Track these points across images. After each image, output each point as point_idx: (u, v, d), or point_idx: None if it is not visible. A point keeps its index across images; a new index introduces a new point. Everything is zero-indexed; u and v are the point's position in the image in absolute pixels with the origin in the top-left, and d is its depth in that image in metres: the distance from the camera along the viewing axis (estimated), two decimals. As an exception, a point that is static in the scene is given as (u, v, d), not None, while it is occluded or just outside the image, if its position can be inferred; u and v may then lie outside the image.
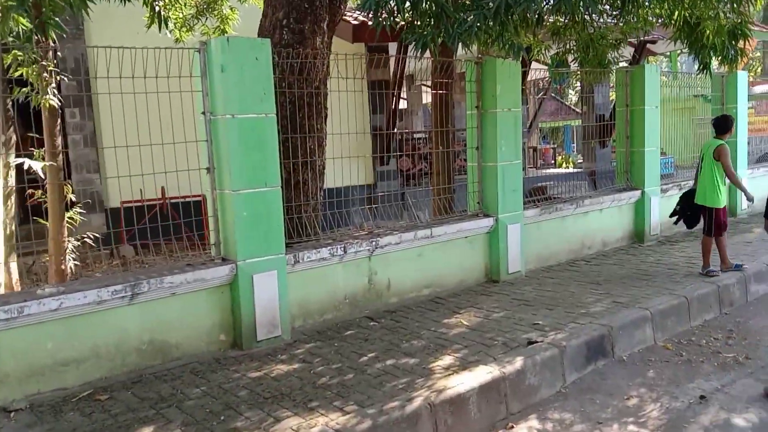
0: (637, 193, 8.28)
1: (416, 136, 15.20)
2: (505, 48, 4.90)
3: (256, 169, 4.76)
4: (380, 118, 11.04)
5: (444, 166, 7.59)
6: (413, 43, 4.76)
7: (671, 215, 7.11)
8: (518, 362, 4.32)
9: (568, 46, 8.46)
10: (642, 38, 11.46)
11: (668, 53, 20.01)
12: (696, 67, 7.19)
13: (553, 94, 27.76)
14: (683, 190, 8.95)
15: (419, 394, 3.84)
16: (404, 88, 16.40)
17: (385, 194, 9.86)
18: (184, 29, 7.62)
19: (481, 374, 4.12)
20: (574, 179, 12.89)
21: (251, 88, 4.70)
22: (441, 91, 7.42)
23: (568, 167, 18.08)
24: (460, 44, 4.68)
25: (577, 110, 24.72)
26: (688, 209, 7.01)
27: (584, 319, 5.20)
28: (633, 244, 8.34)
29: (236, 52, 4.63)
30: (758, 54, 29.35)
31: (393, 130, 11.13)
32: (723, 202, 6.62)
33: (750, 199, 6.97)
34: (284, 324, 5.01)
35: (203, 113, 4.77)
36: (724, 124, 6.68)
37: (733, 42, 6.49)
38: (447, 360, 4.44)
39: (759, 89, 19.37)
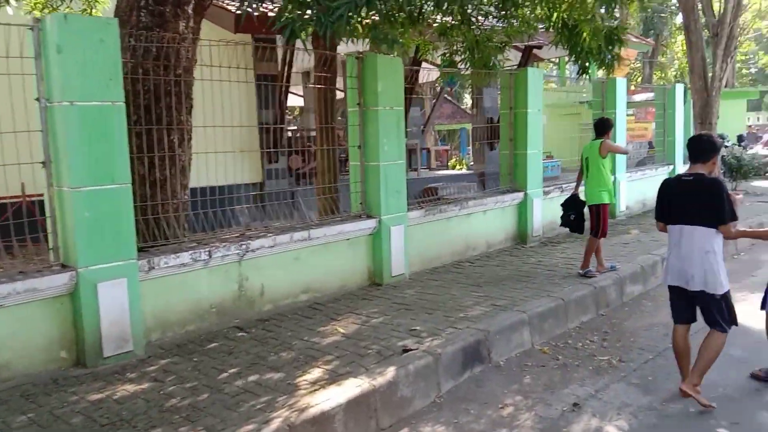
0: (520, 195, 8.34)
1: (311, 133, 14.76)
2: (379, 40, 4.63)
3: (101, 163, 4.20)
4: (269, 113, 10.55)
5: (329, 165, 7.26)
6: (282, 29, 4.39)
7: (561, 224, 7.17)
8: (390, 373, 4.05)
9: (455, 47, 8.40)
10: (527, 43, 11.69)
11: (557, 60, 20.85)
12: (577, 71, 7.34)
13: (448, 97, 28.30)
14: (565, 192, 9.20)
15: (279, 414, 3.48)
16: (301, 85, 15.89)
17: (273, 193, 9.39)
18: (46, 10, 6.85)
19: (350, 388, 3.81)
20: (465, 181, 12.99)
21: (95, 73, 4.14)
22: (323, 86, 7.08)
23: (461, 169, 18.33)
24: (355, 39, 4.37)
25: (471, 113, 25.27)
26: (572, 214, 7.09)
27: (462, 323, 5.04)
28: (516, 246, 8.39)
29: (76, 32, 4.06)
30: (638, 64, 31.35)
31: (282, 126, 10.67)
32: (610, 199, 6.70)
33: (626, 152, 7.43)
34: (137, 338, 4.47)
35: (38, 99, 4.16)
36: (603, 126, 6.78)
37: (610, 47, 6.63)
38: (316, 373, 4.10)
39: (639, 97, 20.52)
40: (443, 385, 4.37)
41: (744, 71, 38.05)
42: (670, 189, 4.26)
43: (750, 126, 32.46)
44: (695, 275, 4.03)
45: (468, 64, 8.15)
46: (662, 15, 25.81)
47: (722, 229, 4.00)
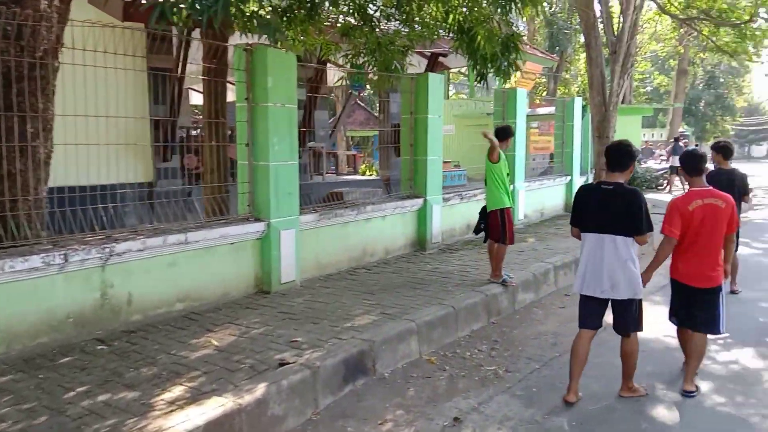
0: (420, 201, 8.22)
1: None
2: (260, 27, 4.31)
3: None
4: (162, 109, 9.91)
5: (217, 163, 6.83)
6: (150, 10, 3.98)
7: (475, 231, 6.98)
8: (260, 390, 3.72)
9: (358, 49, 8.20)
10: (432, 50, 11.69)
11: (465, 69, 21.11)
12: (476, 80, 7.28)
13: (362, 103, 28.19)
14: (465, 200, 9.19)
15: (124, 440, 3.08)
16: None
17: (163, 193, 8.79)
18: None
19: (212, 408, 3.45)
20: (372, 186, 12.83)
21: None
22: (211, 79, 6.65)
23: (371, 175, 18.20)
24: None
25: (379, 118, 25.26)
26: (483, 222, 6.95)
27: (348, 333, 4.78)
28: (415, 252, 8.25)
29: None
30: (544, 79, 32.52)
31: (175, 120, 10.05)
32: (509, 202, 6.61)
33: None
34: (-29, 353, 3.91)
35: None
36: (500, 133, 6.70)
37: (506, 53, 6.61)
38: (176, 392, 3.70)
39: (544, 111, 21.14)
40: (321, 401, 4.08)
41: (641, 90, 40.39)
42: (588, 196, 4.22)
43: (646, 141, 34.45)
44: (618, 284, 4.04)
45: (370, 67, 7.96)
46: (566, 31, 26.85)
47: (639, 240, 4.04)
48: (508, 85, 20.37)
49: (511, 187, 10.10)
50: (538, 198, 11.59)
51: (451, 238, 9.01)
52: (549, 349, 5.31)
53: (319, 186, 11.94)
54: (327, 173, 14.36)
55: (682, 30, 23.00)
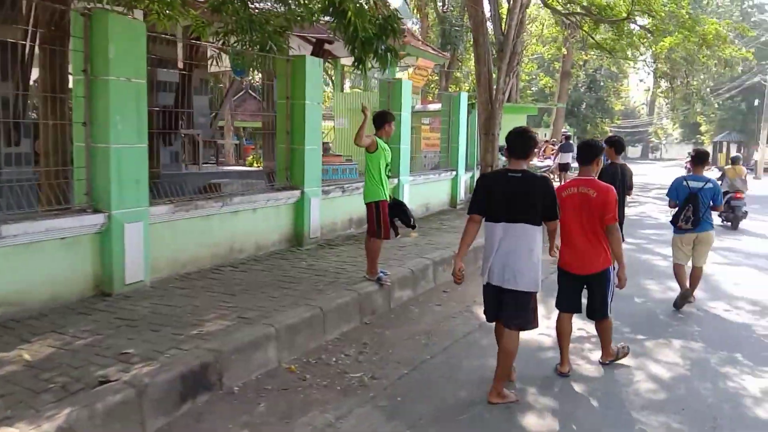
0: (297, 193, 7.66)
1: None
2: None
3: None
4: (6, 86, 8.69)
5: (55, 145, 5.93)
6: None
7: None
8: (66, 415, 3.05)
9: (230, 27, 7.50)
10: (313, 33, 11.14)
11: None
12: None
13: (253, 93, 27.10)
14: (346, 193, 8.73)
15: None
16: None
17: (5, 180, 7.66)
18: None
19: (-8, 444, 2.75)
20: (255, 177, 12.09)
21: None
22: (48, 46, 5.75)
23: (259, 166, 17.36)
24: None
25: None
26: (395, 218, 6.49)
27: (191, 342, 4.16)
28: (292, 248, 7.70)
29: None
30: (437, 77, 32.85)
31: (26, 95, 8.87)
32: (385, 195, 6.17)
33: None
34: None
35: None
36: (377, 118, 6.26)
37: (384, 37, 6.21)
38: (-48, 423, 2.96)
39: (434, 107, 21.15)
40: (150, 424, 3.46)
41: (528, 91, 41.91)
42: (495, 184, 4.02)
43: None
44: (520, 273, 3.87)
45: (243, 47, 7.30)
46: (458, 29, 27.18)
47: (552, 225, 4.04)
48: (404, 76, 20.08)
49: (396, 180, 9.85)
50: (424, 192, 11.38)
51: (332, 233, 8.54)
52: (420, 350, 4.95)
53: (195, 177, 11.03)
54: (206, 163, 13.43)
55: (566, 32, 23.87)
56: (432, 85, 34.68)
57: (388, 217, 6.20)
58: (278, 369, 4.44)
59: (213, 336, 4.31)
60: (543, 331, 5.10)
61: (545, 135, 30.61)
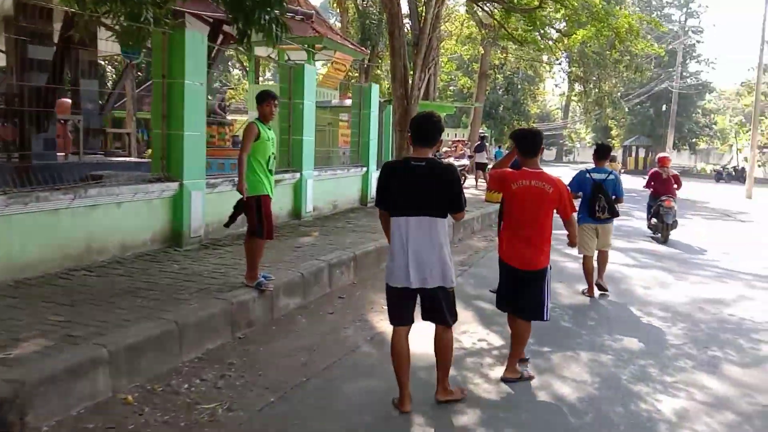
0: (174, 185, 6.71)
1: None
2: None
3: None
4: None
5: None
6: None
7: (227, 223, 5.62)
8: None
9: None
10: (207, 12, 10.17)
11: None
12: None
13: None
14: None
15: None
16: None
17: None
18: None
19: None
20: (145, 169, 10.96)
21: None
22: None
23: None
24: None
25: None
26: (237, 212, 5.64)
27: (-15, 373, 3.22)
28: (168, 249, 6.72)
29: None
30: (357, 73, 32.18)
31: None
32: (268, 189, 5.38)
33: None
34: None
35: None
36: (258, 97, 5.41)
37: (268, 8, 5.41)
38: None
39: (349, 102, 20.46)
40: None
41: (448, 91, 41.93)
42: (396, 175, 3.65)
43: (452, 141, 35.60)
44: (433, 271, 3.56)
45: (115, 19, 6.30)
46: (376, 24, 26.60)
47: (458, 216, 3.73)
48: (324, 71, 19.09)
49: (297, 175, 9.05)
50: (330, 189, 10.62)
51: (219, 232, 7.62)
52: (296, 372, 4.19)
53: (72, 167, 9.78)
54: (92, 153, 12.08)
55: (483, 31, 23.76)
56: (352, 81, 34.02)
57: (271, 213, 5.42)
58: (111, 401, 3.56)
59: (21, 362, 3.38)
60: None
61: (463, 135, 30.56)
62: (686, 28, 46.17)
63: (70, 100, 11.85)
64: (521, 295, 4.16)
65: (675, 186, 10.48)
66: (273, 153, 5.48)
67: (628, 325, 5.68)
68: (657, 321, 5.81)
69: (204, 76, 6.88)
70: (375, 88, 12.21)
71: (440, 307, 3.64)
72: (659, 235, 10.66)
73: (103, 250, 5.98)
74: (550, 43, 19.79)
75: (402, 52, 14.45)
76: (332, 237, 8.22)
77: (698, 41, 47.62)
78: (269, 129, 5.42)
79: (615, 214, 6.56)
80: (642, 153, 48.67)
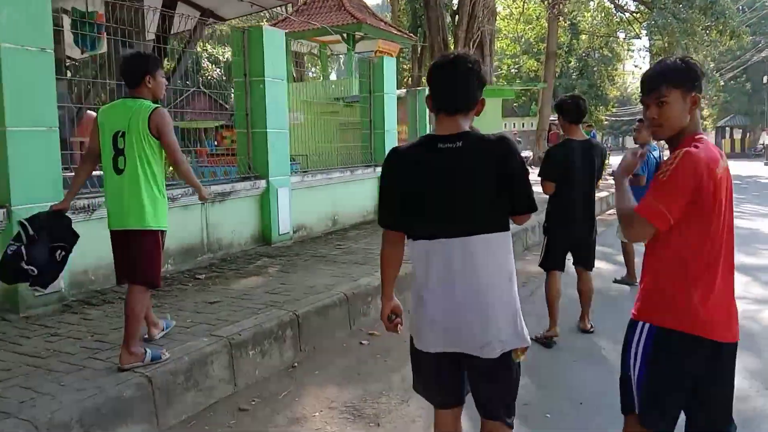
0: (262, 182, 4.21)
1: None
2: None
3: None
4: None
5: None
6: None
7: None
8: None
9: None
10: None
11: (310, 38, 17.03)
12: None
13: (203, 89, 23.77)
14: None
15: None
16: None
17: None
18: None
19: None
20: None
21: None
22: None
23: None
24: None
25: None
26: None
27: None
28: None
29: None
30: (408, 65, 29.54)
31: None
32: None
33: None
34: None
35: None
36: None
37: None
38: None
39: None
40: None
41: (511, 76, 38.35)
42: (413, 168, 2.02)
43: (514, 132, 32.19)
44: (500, 323, 1.98)
45: None
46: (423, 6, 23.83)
47: (521, 220, 2.08)
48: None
49: (263, 183, 6.58)
50: (327, 200, 7.91)
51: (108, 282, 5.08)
52: None
53: None
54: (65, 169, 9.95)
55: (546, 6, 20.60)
56: (405, 73, 31.21)
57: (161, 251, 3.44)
58: None
59: None
60: None
61: (531, 125, 27.30)
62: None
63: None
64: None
65: None
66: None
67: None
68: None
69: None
70: (389, 61, 9.22)
71: (493, 391, 2.08)
72: None
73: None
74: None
75: (440, 23, 12.18)
76: (296, 275, 5.52)
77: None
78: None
79: None
80: (738, 134, 43.23)
